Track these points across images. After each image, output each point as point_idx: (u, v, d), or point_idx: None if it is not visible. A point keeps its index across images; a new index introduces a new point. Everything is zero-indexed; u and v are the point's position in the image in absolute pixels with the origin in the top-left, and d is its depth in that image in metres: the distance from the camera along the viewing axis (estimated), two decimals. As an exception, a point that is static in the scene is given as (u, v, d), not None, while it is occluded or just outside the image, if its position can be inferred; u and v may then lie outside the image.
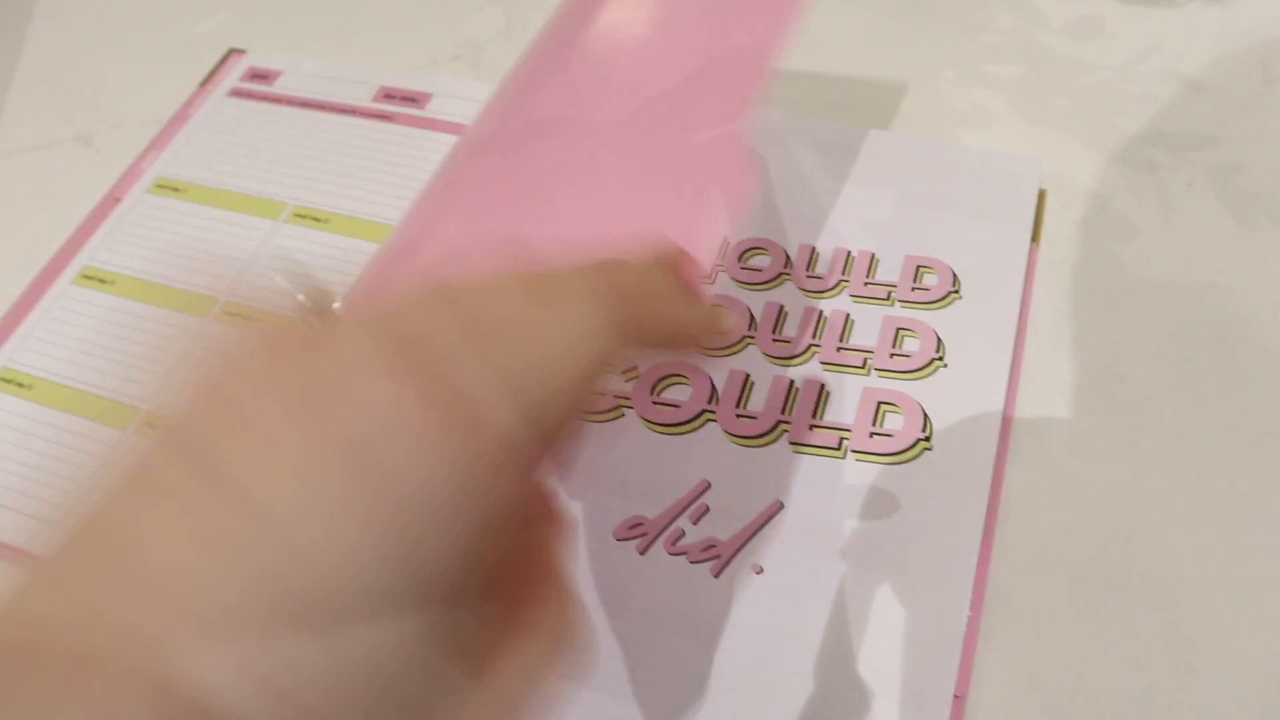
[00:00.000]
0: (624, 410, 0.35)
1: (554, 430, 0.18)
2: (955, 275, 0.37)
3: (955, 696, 0.30)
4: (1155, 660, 0.31)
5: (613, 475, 0.34)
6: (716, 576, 0.32)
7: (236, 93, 0.49)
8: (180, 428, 0.16)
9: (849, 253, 0.38)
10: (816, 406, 0.35)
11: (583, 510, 0.33)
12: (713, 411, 0.35)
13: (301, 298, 0.20)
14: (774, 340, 0.37)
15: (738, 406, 0.35)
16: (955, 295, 0.37)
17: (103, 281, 0.43)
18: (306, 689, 0.15)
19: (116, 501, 0.16)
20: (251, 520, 0.15)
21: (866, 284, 0.38)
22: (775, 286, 0.38)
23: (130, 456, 0.16)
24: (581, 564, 0.32)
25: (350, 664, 0.15)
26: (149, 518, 0.15)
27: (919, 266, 0.38)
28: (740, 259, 0.39)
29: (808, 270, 0.38)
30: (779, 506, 0.33)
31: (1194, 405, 0.36)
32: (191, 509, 0.15)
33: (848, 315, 0.37)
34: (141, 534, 0.15)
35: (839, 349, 0.36)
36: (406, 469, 0.16)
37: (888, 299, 0.37)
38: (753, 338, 0.37)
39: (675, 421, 0.35)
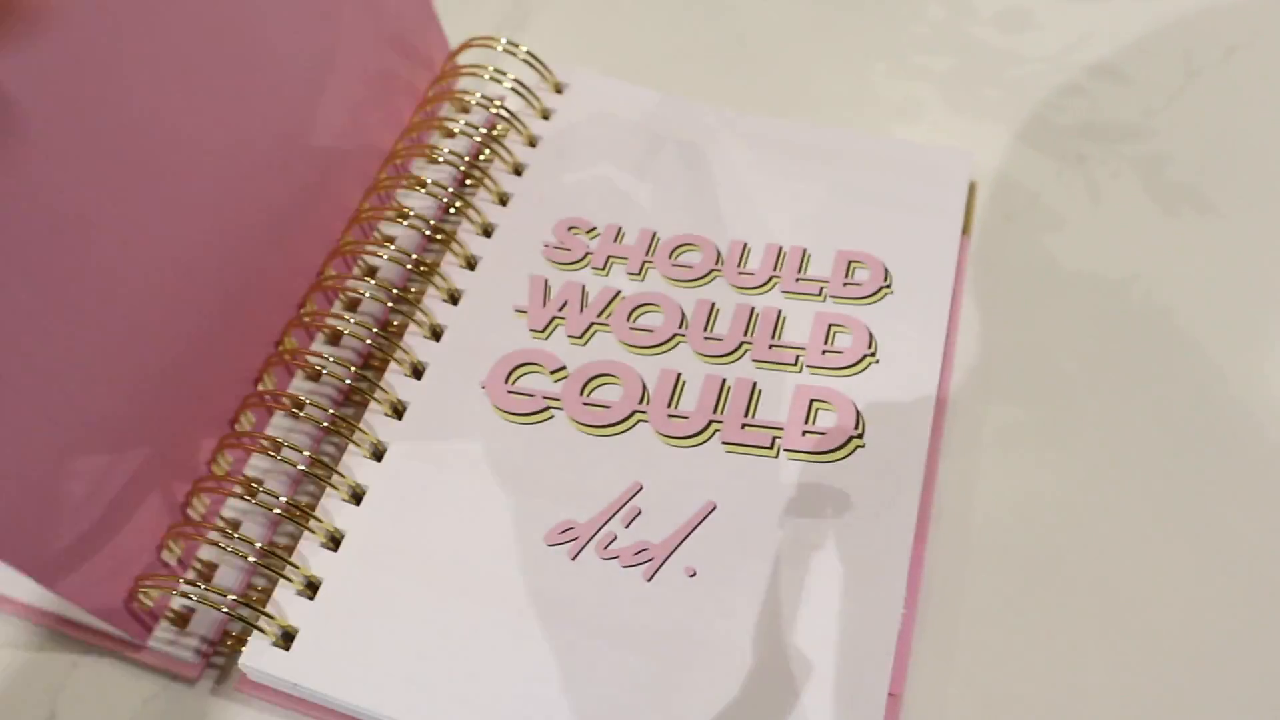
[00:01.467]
0: (553, 412, 0.35)
1: None
2: (887, 270, 0.37)
3: (890, 694, 0.30)
4: (1090, 655, 0.32)
5: (542, 478, 0.33)
6: (649, 580, 0.31)
7: None
8: None
9: (781, 248, 0.38)
10: (749, 405, 0.35)
11: (512, 515, 0.33)
12: (644, 412, 0.35)
13: None
14: (705, 338, 0.36)
15: (669, 406, 0.35)
16: (887, 290, 0.37)
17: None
18: None
19: None
20: None
21: (798, 280, 0.37)
22: (706, 283, 0.38)
23: None
24: (512, 570, 0.32)
25: None
26: None
27: (851, 261, 0.38)
28: (671, 255, 0.38)
29: (739, 266, 0.38)
30: (712, 507, 0.33)
31: (1123, 395, 0.36)
32: None
33: (779, 312, 0.37)
34: None
35: (771, 346, 0.36)
36: None
37: (819, 295, 0.37)
38: (684, 336, 0.36)
39: (606, 423, 0.34)
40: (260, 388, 0.36)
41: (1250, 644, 0.31)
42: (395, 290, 0.37)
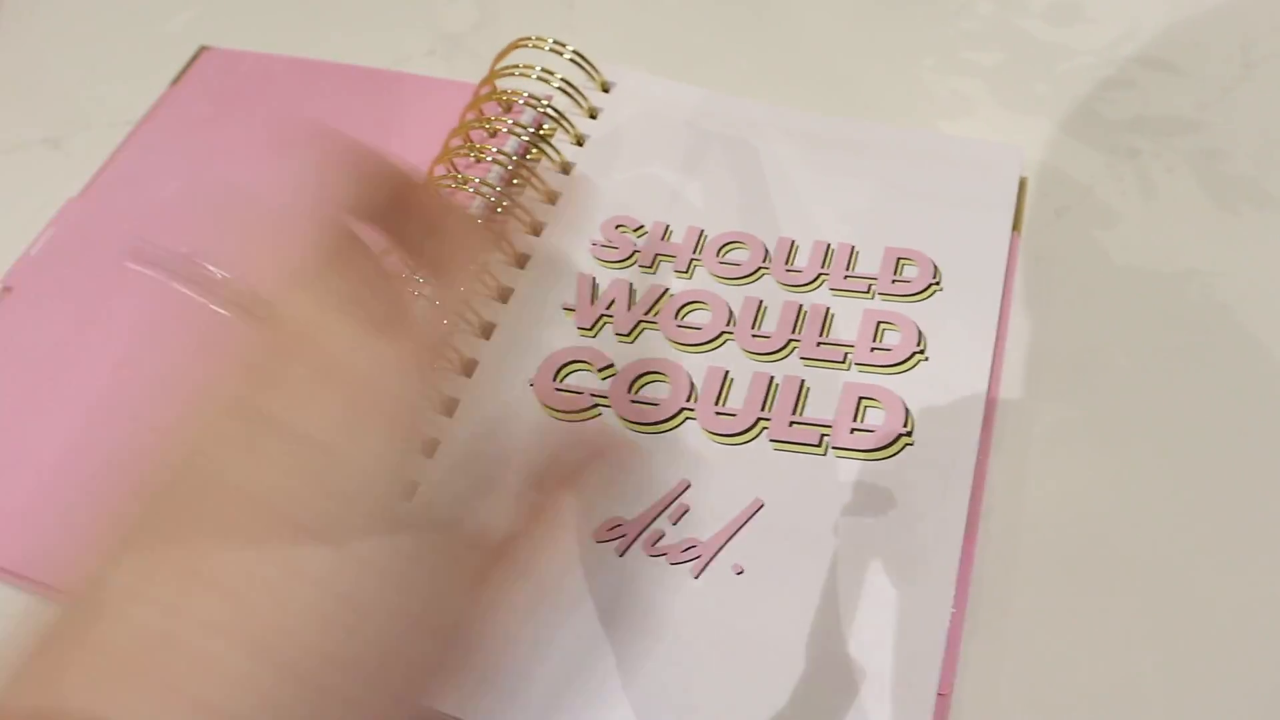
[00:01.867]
0: (601, 409, 0.35)
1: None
2: (936, 267, 0.37)
3: (940, 694, 0.30)
4: (1142, 654, 0.31)
5: (590, 476, 0.34)
6: (697, 578, 0.32)
7: None
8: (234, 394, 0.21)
9: (829, 245, 0.38)
10: (797, 403, 0.35)
11: (560, 512, 0.33)
12: (691, 409, 0.35)
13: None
14: (753, 336, 0.36)
15: (717, 404, 0.35)
16: (936, 287, 0.37)
17: (73, 287, 0.42)
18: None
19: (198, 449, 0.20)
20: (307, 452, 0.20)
21: (846, 277, 0.37)
22: (754, 281, 0.38)
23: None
24: (560, 567, 0.32)
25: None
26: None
27: (899, 258, 0.37)
28: (718, 254, 0.38)
29: (787, 264, 0.38)
30: (759, 505, 0.33)
31: (1178, 393, 0.36)
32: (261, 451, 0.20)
33: (828, 309, 0.36)
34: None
35: (819, 344, 0.36)
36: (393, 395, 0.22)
37: (868, 292, 0.37)
38: (731, 334, 0.36)
39: (654, 420, 0.35)
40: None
41: (1310, 646, 0.31)
42: None
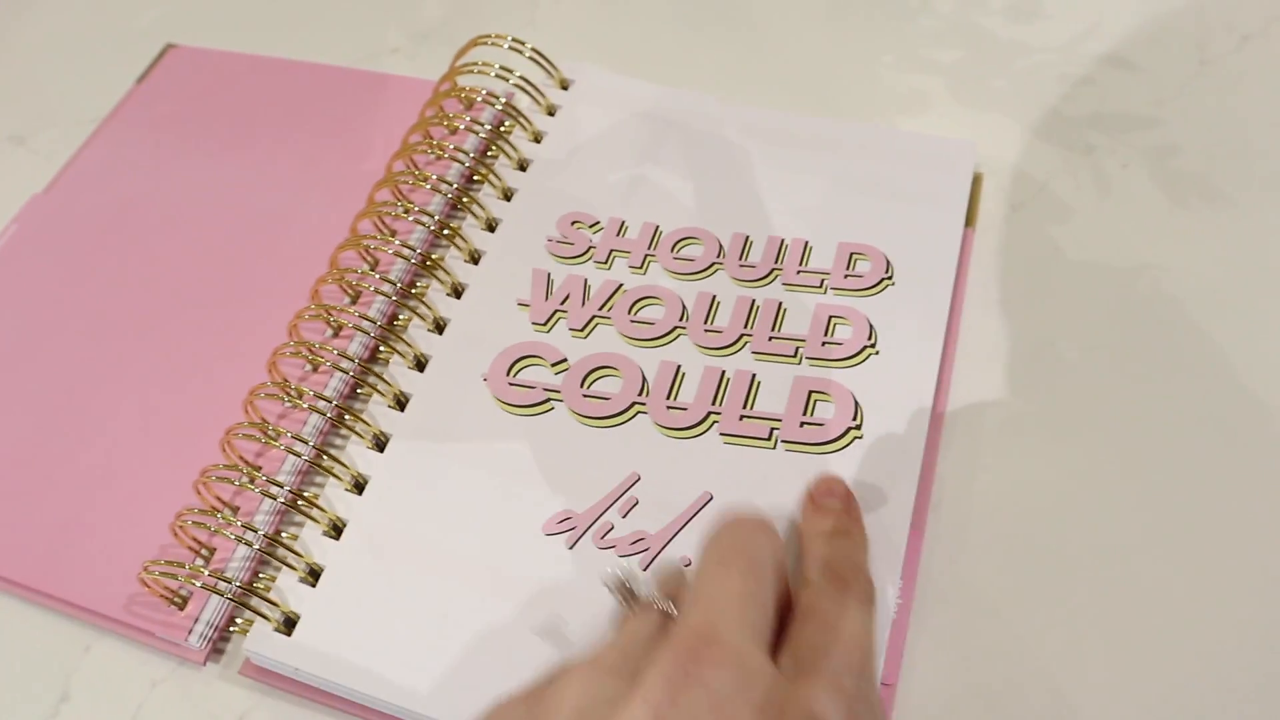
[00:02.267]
0: (554, 404, 0.35)
1: None
2: (889, 261, 0.37)
3: (884, 684, 0.30)
4: (1090, 645, 0.31)
5: (541, 469, 0.34)
6: (645, 569, 0.32)
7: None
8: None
9: (782, 241, 0.38)
10: (747, 397, 0.35)
11: (511, 505, 0.33)
12: (643, 403, 0.35)
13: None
14: (705, 331, 0.36)
15: (668, 398, 0.35)
16: (888, 281, 0.37)
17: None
18: None
19: None
20: None
21: (799, 272, 0.37)
22: (708, 276, 0.38)
23: None
24: (510, 559, 0.32)
25: None
26: None
27: (852, 253, 0.38)
28: (673, 249, 0.39)
29: (740, 259, 0.38)
30: (708, 498, 0.33)
31: (1130, 387, 0.36)
32: None
33: (780, 304, 0.37)
34: None
35: (771, 338, 0.36)
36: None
37: (820, 287, 0.37)
38: (684, 328, 0.36)
39: (605, 414, 0.35)
40: (267, 379, 0.36)
41: (1253, 637, 0.31)
42: (400, 284, 0.37)
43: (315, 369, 0.37)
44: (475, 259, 0.39)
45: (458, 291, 0.38)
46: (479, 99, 0.41)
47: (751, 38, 0.48)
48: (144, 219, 0.43)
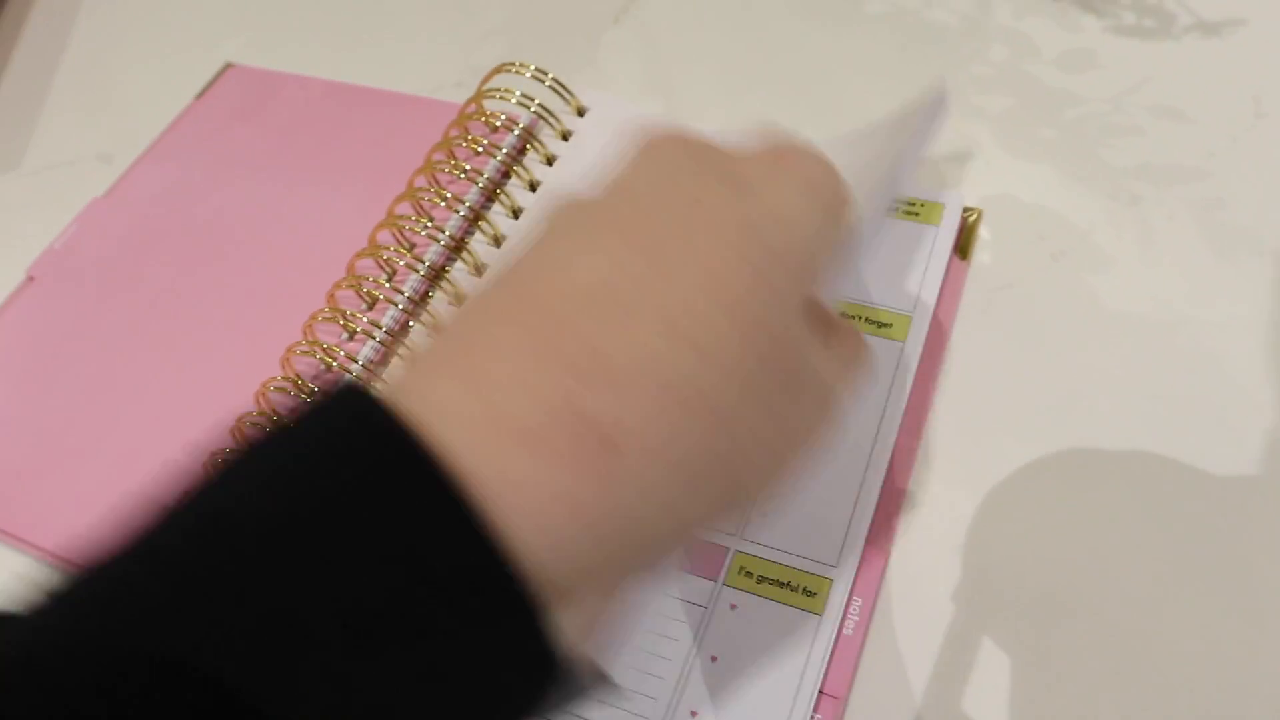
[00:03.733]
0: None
1: None
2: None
3: (831, 696, 0.30)
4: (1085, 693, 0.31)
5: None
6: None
7: None
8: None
9: None
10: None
11: None
12: None
13: None
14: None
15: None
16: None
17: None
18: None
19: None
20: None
21: None
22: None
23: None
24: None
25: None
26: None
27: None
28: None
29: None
30: None
31: (1157, 439, 0.35)
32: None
33: None
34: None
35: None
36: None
37: None
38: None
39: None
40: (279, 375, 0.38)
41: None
42: (413, 295, 0.39)
43: (329, 370, 0.39)
44: (480, 272, 0.40)
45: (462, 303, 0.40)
46: (499, 123, 0.42)
47: (802, 82, 0.49)
48: (187, 225, 0.46)
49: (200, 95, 0.53)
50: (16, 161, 0.53)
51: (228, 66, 0.54)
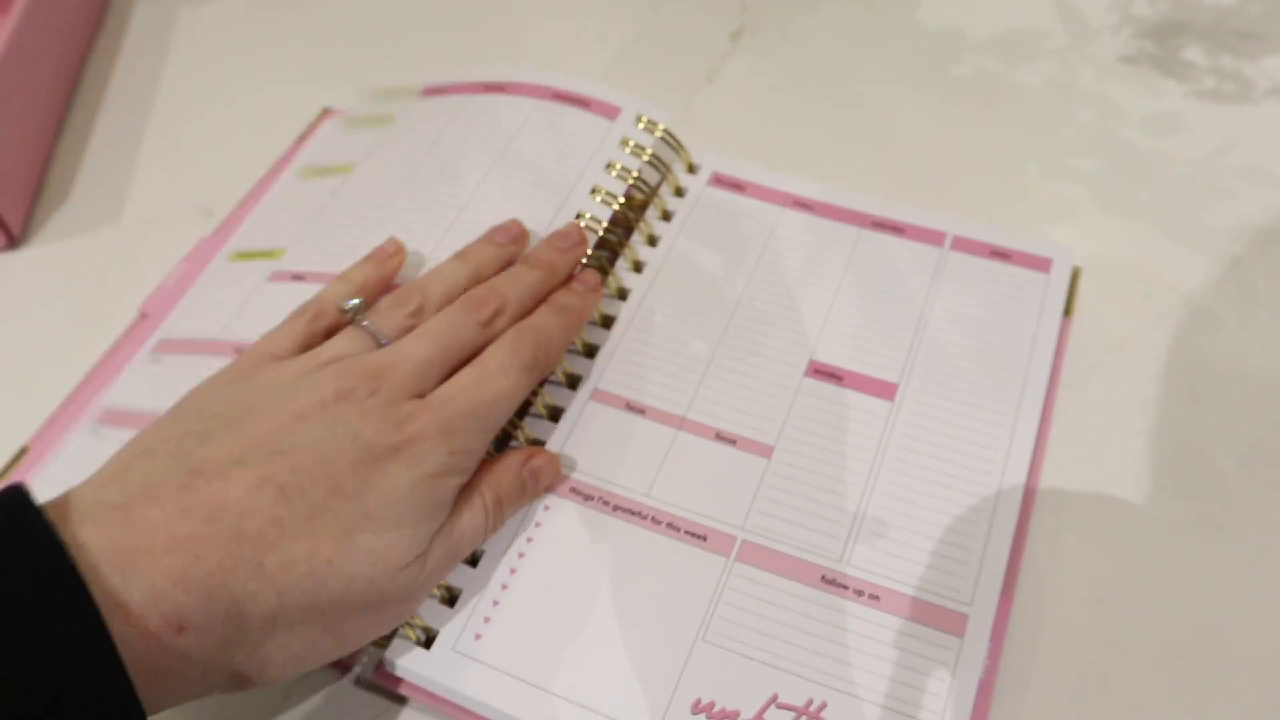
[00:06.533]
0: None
1: None
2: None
3: None
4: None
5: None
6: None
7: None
8: None
9: None
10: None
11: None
12: None
13: None
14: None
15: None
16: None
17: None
18: None
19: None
20: None
21: None
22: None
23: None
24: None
25: None
26: None
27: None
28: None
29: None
30: None
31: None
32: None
33: None
34: None
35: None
36: None
37: None
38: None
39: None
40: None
41: None
42: None
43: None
44: (607, 324, 0.41)
45: (590, 352, 0.40)
46: (614, 174, 0.43)
47: (898, 146, 0.49)
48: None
49: (300, 140, 0.54)
50: (115, 214, 0.54)
51: (325, 112, 0.55)
